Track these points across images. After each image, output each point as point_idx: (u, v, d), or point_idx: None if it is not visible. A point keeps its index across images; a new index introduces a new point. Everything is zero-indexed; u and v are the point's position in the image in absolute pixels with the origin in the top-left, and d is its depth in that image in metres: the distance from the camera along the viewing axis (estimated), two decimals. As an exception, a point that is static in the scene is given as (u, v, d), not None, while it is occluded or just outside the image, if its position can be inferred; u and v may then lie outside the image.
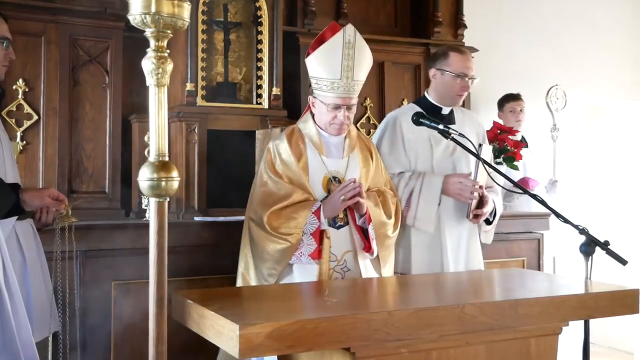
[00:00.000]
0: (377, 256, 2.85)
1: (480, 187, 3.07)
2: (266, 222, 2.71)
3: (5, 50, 2.63)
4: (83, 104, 3.66)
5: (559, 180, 4.93)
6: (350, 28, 2.78)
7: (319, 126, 2.87)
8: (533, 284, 2.58)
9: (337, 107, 2.79)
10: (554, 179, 4.93)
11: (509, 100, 4.83)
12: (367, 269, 2.84)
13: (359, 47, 2.78)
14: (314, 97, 2.86)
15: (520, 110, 4.80)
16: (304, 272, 2.75)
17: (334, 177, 2.82)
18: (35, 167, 3.56)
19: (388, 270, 2.93)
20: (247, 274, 2.84)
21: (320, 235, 2.73)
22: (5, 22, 2.66)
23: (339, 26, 2.86)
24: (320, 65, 2.79)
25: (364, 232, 2.83)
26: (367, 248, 2.80)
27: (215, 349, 3.00)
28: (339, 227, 2.81)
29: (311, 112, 2.91)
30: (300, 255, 2.71)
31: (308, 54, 2.88)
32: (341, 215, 2.79)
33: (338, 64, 2.75)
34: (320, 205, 2.72)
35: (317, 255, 2.72)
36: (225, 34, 3.88)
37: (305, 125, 2.90)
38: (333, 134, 2.86)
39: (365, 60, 2.84)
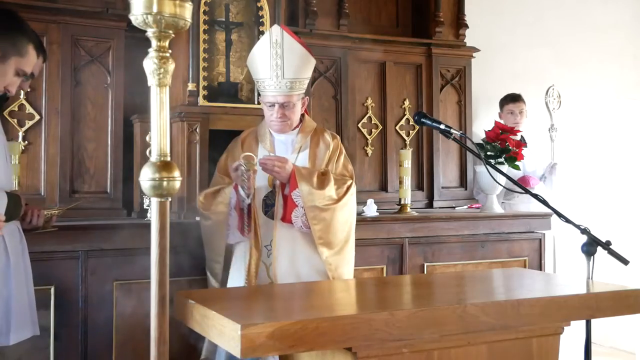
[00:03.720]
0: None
1: None
2: (200, 201, 2.97)
3: (24, 82, 2.59)
4: (85, 104, 3.66)
5: (559, 163, 4.91)
6: (276, 28, 2.89)
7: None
8: (534, 283, 2.58)
9: (272, 105, 2.91)
10: (553, 162, 4.92)
11: (508, 101, 4.84)
12: (295, 252, 2.87)
13: (288, 45, 2.86)
14: (260, 96, 3.01)
15: (520, 112, 4.80)
16: (238, 257, 2.92)
17: None
18: (37, 167, 3.56)
19: (333, 257, 2.91)
20: (206, 265, 3.06)
21: (248, 210, 2.83)
22: (40, 57, 2.58)
23: (281, 26, 2.96)
24: (253, 65, 2.93)
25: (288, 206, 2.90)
26: (285, 217, 2.85)
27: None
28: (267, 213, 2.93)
29: None
30: (229, 230, 2.87)
31: None
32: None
33: (267, 63, 2.86)
34: None
35: (241, 227, 2.83)
36: (226, 34, 3.88)
37: (261, 125, 3.06)
38: (274, 132, 2.98)
39: (297, 59, 2.89)
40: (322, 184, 2.88)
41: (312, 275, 2.88)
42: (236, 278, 2.93)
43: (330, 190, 2.89)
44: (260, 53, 2.88)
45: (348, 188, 2.98)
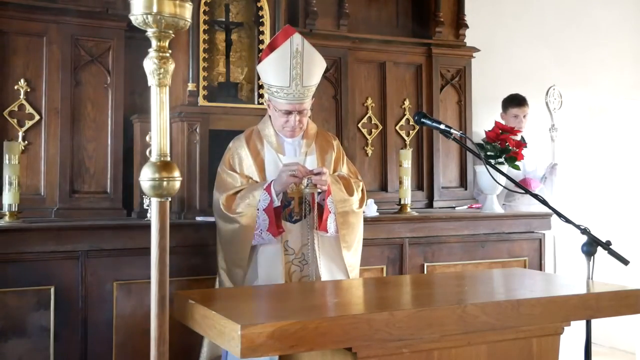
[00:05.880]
0: (340, 240, 2.89)
1: None
2: (223, 204, 2.86)
3: None
4: (85, 104, 3.66)
5: (559, 163, 4.91)
6: (297, 37, 2.85)
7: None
8: (535, 283, 2.58)
9: (288, 113, 2.89)
10: (553, 162, 4.92)
11: (513, 105, 4.80)
12: (325, 257, 2.88)
13: (308, 54, 2.84)
14: (269, 101, 2.96)
15: (524, 116, 4.79)
16: (268, 259, 2.85)
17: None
18: (37, 167, 3.56)
19: (352, 258, 2.94)
20: (222, 269, 2.95)
21: (275, 212, 2.79)
22: None
23: (292, 30, 2.93)
24: (270, 72, 2.88)
25: (321, 215, 2.88)
26: (320, 226, 2.85)
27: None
28: (295, 221, 2.88)
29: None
30: (261, 232, 2.80)
31: (260, 60, 2.96)
32: (297, 210, 2.86)
33: (287, 72, 2.82)
34: (271, 182, 2.81)
35: (276, 231, 2.78)
36: (226, 34, 3.88)
37: (264, 125, 3.02)
38: (286, 137, 2.97)
39: (315, 66, 2.89)
40: (349, 190, 2.93)
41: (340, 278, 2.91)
42: (260, 279, 2.89)
43: (356, 195, 2.95)
44: (280, 61, 2.83)
45: (363, 191, 3.04)
